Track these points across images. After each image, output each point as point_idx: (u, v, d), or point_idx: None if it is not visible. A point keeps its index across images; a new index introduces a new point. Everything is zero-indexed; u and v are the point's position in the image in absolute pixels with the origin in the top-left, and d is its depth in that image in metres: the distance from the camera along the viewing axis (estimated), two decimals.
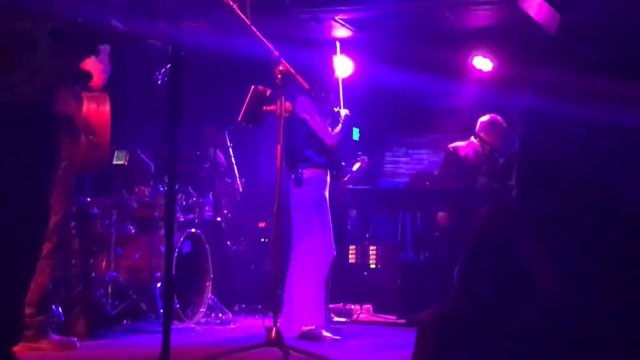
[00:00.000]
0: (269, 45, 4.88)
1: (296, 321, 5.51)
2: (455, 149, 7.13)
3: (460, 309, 1.90)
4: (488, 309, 1.83)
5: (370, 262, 7.70)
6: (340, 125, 5.81)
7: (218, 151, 7.46)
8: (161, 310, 5.74)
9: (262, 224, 7.78)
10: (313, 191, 5.68)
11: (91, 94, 4.74)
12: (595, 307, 1.04)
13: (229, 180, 7.57)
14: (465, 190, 6.91)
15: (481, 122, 7.08)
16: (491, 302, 1.84)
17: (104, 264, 5.97)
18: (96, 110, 4.75)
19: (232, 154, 7.64)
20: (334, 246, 5.73)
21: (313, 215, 5.66)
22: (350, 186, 7.98)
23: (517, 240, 1.91)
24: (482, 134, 7.02)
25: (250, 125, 5.57)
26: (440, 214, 7.20)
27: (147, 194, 6.39)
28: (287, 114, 4.86)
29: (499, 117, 7.04)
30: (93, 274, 5.81)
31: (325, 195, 5.72)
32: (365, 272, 7.68)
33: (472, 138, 7.09)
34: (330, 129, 5.75)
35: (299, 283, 5.62)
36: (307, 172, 5.68)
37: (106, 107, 4.81)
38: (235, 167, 7.60)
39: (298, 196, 5.70)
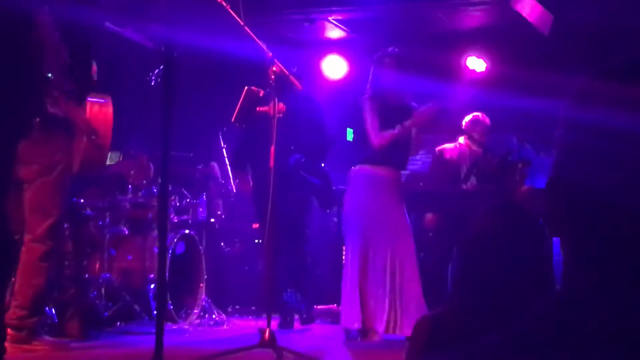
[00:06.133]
0: (262, 45, 4.87)
1: None
2: (441, 151, 7.16)
3: (456, 311, 1.90)
4: (484, 311, 1.83)
5: None
6: None
7: (214, 164, 7.47)
8: (154, 312, 5.73)
9: (255, 225, 7.78)
10: None
11: (95, 96, 4.75)
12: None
13: (223, 182, 7.56)
14: (459, 192, 6.91)
15: (465, 122, 7.11)
16: (487, 305, 1.84)
17: (97, 265, 5.95)
18: (99, 111, 4.76)
19: (225, 155, 7.63)
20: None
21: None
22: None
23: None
24: (468, 133, 7.05)
25: (244, 126, 5.56)
26: (428, 216, 7.21)
27: (140, 195, 6.38)
28: (281, 115, 4.85)
29: (480, 115, 7.06)
30: (86, 276, 5.79)
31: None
32: None
33: (461, 139, 7.11)
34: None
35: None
36: None
37: (109, 109, 4.83)
38: (229, 168, 7.59)
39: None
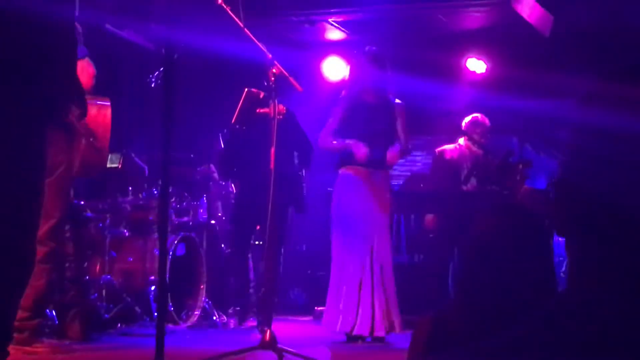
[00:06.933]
0: (262, 47, 4.87)
1: None
2: (442, 152, 7.16)
3: (457, 311, 1.90)
4: (486, 312, 1.83)
5: None
6: None
7: (212, 166, 7.46)
8: (155, 313, 5.73)
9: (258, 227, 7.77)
10: None
11: (93, 98, 4.74)
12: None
13: (223, 183, 7.56)
14: (459, 193, 6.91)
15: (465, 123, 7.12)
16: (490, 306, 1.84)
17: (98, 267, 5.95)
18: (97, 114, 4.76)
19: None
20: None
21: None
22: None
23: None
24: (469, 134, 7.06)
25: (244, 128, 5.56)
26: (429, 217, 7.21)
27: (141, 197, 6.38)
28: (281, 117, 4.85)
29: (480, 116, 7.07)
30: (87, 278, 5.79)
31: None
32: None
33: (461, 140, 7.11)
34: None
35: None
36: None
37: (107, 112, 4.83)
38: None
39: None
